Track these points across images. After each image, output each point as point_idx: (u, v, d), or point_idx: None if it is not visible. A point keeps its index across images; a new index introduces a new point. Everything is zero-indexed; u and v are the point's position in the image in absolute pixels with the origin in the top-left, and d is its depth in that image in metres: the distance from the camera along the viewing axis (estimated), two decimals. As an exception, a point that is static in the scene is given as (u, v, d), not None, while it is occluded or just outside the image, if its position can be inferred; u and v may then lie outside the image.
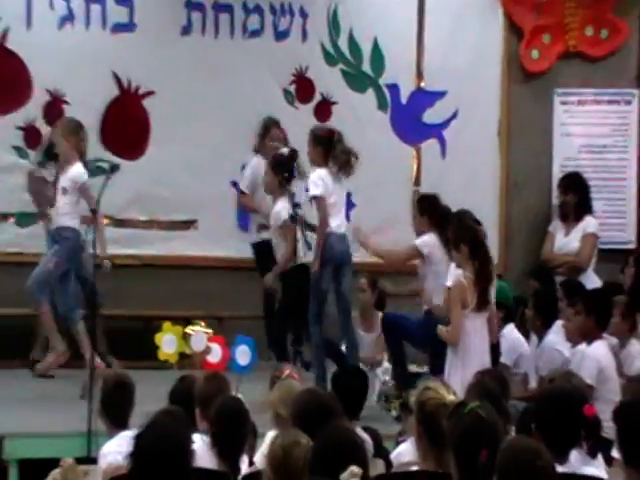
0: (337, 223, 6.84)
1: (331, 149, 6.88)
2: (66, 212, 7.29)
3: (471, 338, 6.28)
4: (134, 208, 8.33)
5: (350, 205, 8.22)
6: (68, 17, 8.31)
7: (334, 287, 6.97)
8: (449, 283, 6.17)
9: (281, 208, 7.07)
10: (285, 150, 7.46)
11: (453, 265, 6.15)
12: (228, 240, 8.33)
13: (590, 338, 6.15)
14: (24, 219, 8.22)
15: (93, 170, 7.39)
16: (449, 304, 6.10)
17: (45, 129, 7.88)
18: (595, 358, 5.97)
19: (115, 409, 4.73)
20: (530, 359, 6.91)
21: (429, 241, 6.67)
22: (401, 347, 7.04)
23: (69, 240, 7.37)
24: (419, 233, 6.80)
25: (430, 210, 6.91)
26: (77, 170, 7.17)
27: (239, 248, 8.23)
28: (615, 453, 3.82)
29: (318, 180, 6.85)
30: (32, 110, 8.04)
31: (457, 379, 5.93)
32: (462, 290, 6.07)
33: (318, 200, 6.81)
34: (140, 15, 8.35)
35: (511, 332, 6.92)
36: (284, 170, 7.22)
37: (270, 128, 7.72)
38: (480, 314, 6.27)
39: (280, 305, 7.74)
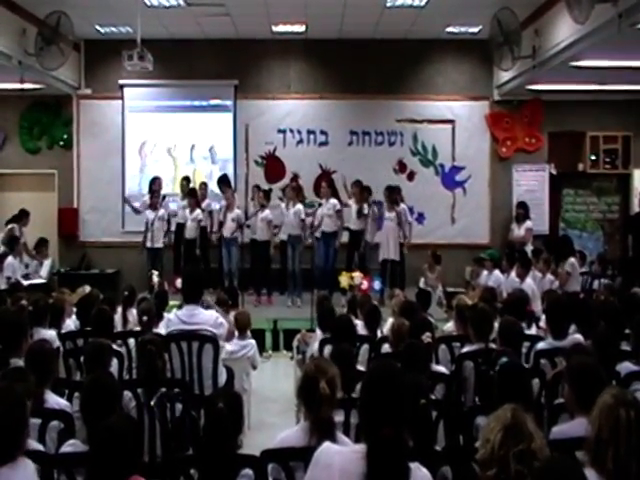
0: None
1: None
2: None
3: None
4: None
5: (423, 218, 11.78)
6: (300, 141, 11.91)
7: None
8: None
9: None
10: None
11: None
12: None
13: (524, 276, 8.14)
14: None
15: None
16: None
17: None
18: (529, 285, 7.82)
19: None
20: (508, 285, 8.18)
21: None
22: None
23: None
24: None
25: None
26: None
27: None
28: (541, 324, 5.79)
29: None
30: (285, 181, 11.46)
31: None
32: None
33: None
34: (330, 139, 11.83)
35: (497, 273, 8.95)
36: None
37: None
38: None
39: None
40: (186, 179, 11.24)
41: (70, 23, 9.53)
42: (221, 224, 10.48)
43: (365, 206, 10.31)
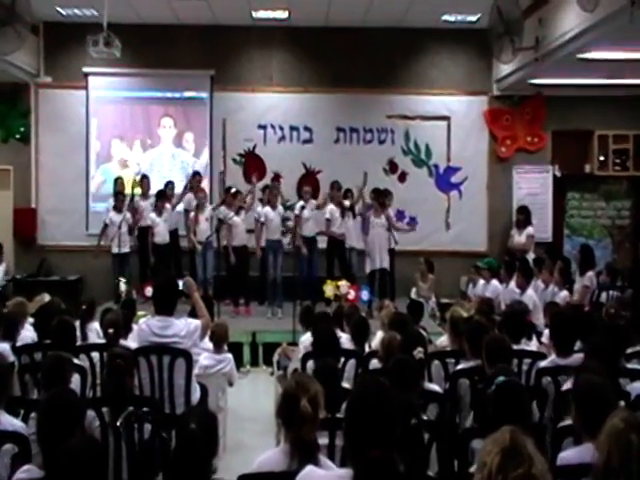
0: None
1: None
2: None
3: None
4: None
5: (415, 221, 11.77)
6: (282, 138, 11.95)
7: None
8: None
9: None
10: None
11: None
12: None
13: (525, 287, 8.23)
14: None
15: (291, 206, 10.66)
16: None
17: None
18: (531, 296, 8.01)
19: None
20: (507, 296, 8.34)
21: None
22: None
23: None
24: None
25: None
26: None
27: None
28: (544, 339, 5.88)
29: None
30: (267, 180, 11.38)
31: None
32: None
33: None
34: (315, 136, 11.86)
35: (495, 283, 9.16)
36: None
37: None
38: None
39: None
40: (145, 177, 11.18)
41: (27, 3, 9.35)
42: (188, 228, 10.56)
43: (347, 203, 10.45)
